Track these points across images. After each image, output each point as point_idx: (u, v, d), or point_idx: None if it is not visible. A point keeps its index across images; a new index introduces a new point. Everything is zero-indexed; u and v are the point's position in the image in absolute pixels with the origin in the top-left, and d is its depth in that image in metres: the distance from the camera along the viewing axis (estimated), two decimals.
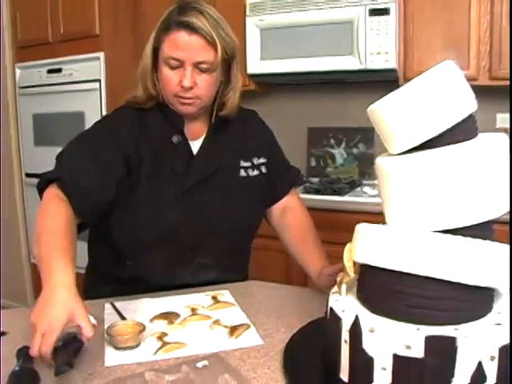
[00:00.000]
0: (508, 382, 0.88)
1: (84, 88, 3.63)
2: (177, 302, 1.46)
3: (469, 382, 0.87)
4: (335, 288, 1.09)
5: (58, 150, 1.51)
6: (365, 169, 3.47)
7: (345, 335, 0.96)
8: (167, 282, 1.55)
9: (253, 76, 3.38)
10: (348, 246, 1.05)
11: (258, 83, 3.50)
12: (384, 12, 2.90)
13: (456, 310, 0.93)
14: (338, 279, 1.07)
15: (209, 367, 1.08)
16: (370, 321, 0.93)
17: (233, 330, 1.26)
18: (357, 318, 0.94)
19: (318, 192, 3.03)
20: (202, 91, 1.49)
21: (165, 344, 1.20)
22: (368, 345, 0.92)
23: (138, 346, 1.19)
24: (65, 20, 3.66)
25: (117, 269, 1.56)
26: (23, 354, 1.11)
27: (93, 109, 3.55)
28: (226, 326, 1.29)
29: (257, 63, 3.29)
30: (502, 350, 0.87)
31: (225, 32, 1.47)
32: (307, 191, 3.03)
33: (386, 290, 0.97)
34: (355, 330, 0.94)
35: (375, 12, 2.92)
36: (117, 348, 1.18)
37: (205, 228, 1.56)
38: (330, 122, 3.59)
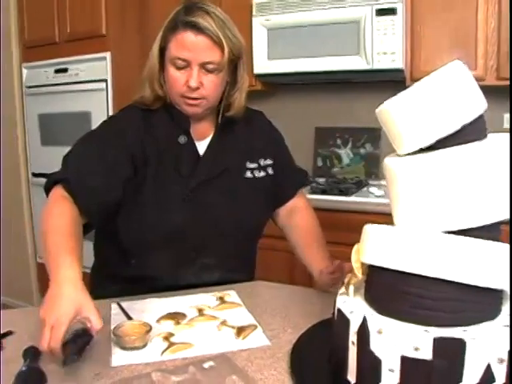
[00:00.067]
0: None
1: (90, 88, 3.63)
2: (183, 302, 1.45)
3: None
4: (343, 289, 1.08)
5: (65, 149, 1.52)
6: (371, 169, 3.46)
7: (352, 336, 0.96)
8: (172, 281, 1.55)
9: (259, 76, 3.38)
10: (356, 246, 1.04)
11: (265, 83, 3.50)
12: (391, 12, 2.89)
13: (461, 311, 0.92)
14: (346, 280, 1.07)
15: (216, 368, 1.07)
16: (378, 322, 0.93)
17: (240, 330, 1.26)
18: (365, 319, 0.94)
19: (324, 192, 3.02)
20: (208, 91, 1.49)
21: (171, 344, 1.19)
22: (376, 346, 0.91)
23: (144, 346, 1.19)
24: (71, 20, 3.66)
25: (122, 268, 1.56)
26: (30, 353, 1.11)
27: (99, 109, 3.56)
28: (232, 327, 1.28)
29: (263, 63, 3.29)
30: (511, 352, 0.87)
31: (231, 32, 1.47)
32: (313, 191, 3.02)
33: (393, 291, 0.96)
34: (363, 331, 0.93)
35: (382, 12, 2.91)
36: (123, 348, 1.18)
37: (210, 229, 1.56)
38: (337, 122, 3.59)
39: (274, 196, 1.72)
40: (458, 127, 0.94)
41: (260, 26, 3.25)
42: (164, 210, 1.51)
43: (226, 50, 1.45)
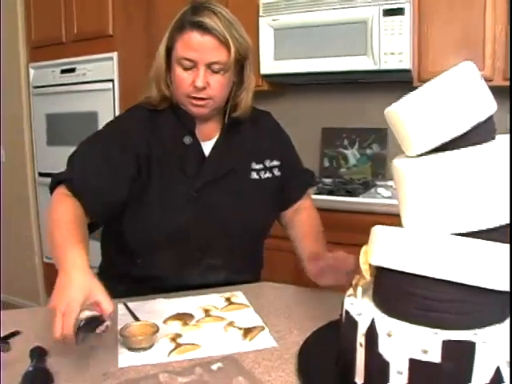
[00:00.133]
0: None
1: (97, 88, 3.64)
2: (190, 303, 1.45)
3: None
4: (350, 290, 1.08)
5: (71, 149, 1.52)
6: (378, 169, 3.46)
7: (360, 338, 0.95)
8: (177, 282, 1.55)
9: (266, 76, 3.38)
10: (364, 248, 1.04)
11: (272, 83, 3.50)
12: (398, 12, 2.88)
13: (469, 313, 0.91)
14: (354, 282, 1.06)
15: (223, 369, 1.07)
16: (387, 324, 0.92)
17: (247, 332, 1.26)
18: (373, 321, 0.93)
19: (331, 193, 3.00)
20: (214, 92, 1.49)
21: (178, 345, 1.19)
22: (384, 348, 0.91)
23: (151, 347, 1.19)
24: (78, 20, 3.68)
25: (128, 268, 1.56)
26: (36, 354, 1.11)
27: (106, 109, 3.57)
28: (240, 328, 1.28)
29: (270, 63, 3.29)
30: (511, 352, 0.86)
31: (238, 32, 1.47)
32: (320, 192, 3.01)
33: (400, 293, 0.95)
34: (371, 333, 0.93)
35: (389, 12, 2.90)
36: (130, 349, 1.18)
37: (216, 229, 1.56)
38: (344, 122, 3.58)
39: (280, 197, 1.72)
40: (467, 129, 0.94)
41: (267, 26, 3.25)
42: (169, 210, 1.51)
43: (233, 50, 1.45)
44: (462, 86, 0.94)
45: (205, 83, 1.46)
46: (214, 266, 1.57)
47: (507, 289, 0.92)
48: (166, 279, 1.55)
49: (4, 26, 4.03)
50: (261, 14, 3.27)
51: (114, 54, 3.56)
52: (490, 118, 0.97)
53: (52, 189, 1.46)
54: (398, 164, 1.01)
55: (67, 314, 1.05)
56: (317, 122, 3.66)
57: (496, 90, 1.08)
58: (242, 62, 1.54)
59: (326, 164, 3.65)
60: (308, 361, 1.11)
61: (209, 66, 1.45)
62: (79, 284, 1.10)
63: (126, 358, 1.15)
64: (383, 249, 0.98)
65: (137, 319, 1.33)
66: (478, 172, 0.92)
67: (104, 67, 3.60)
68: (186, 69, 1.46)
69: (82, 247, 1.21)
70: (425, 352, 0.87)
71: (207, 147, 1.59)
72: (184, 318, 1.35)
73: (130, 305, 1.41)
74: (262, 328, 1.29)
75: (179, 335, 1.25)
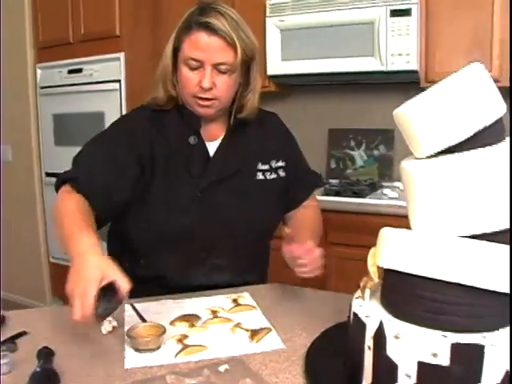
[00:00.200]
0: None
1: (104, 88, 3.65)
2: (197, 304, 1.45)
3: None
4: (358, 292, 1.07)
5: (78, 150, 1.54)
6: (385, 171, 3.45)
7: (368, 341, 0.95)
8: (182, 282, 1.56)
9: (273, 77, 3.37)
10: (372, 250, 1.03)
11: (279, 84, 3.50)
12: (406, 13, 2.87)
13: (477, 316, 0.91)
14: (362, 284, 1.06)
15: (230, 371, 1.07)
16: (395, 327, 0.92)
17: (254, 333, 1.25)
18: (381, 323, 0.92)
19: (337, 194, 3.00)
20: (220, 92, 1.49)
21: (185, 347, 1.19)
22: (392, 351, 0.90)
23: (158, 348, 1.19)
24: (85, 20, 3.68)
25: (134, 268, 1.56)
26: (43, 354, 1.11)
27: (113, 109, 3.57)
28: (247, 330, 1.28)
29: (277, 64, 3.28)
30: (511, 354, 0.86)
31: (245, 34, 1.48)
32: (327, 193, 3.01)
33: (408, 295, 0.95)
34: (379, 336, 0.92)
35: (397, 13, 2.89)
36: (137, 350, 1.18)
37: (220, 229, 1.56)
38: (351, 123, 3.57)
39: (285, 198, 1.72)
40: (476, 130, 0.93)
41: (273, 27, 3.25)
42: (173, 210, 1.52)
43: (239, 51, 1.45)
44: (472, 87, 0.93)
45: (211, 84, 1.46)
46: (219, 266, 1.57)
47: None
48: (170, 279, 1.55)
49: (11, 27, 4.05)
50: (267, 14, 3.26)
51: (121, 55, 3.57)
52: (500, 120, 0.96)
53: (58, 187, 1.48)
54: (406, 166, 1.00)
55: (85, 295, 1.07)
56: (323, 122, 3.66)
57: (503, 91, 1.07)
58: (249, 62, 1.54)
59: (333, 165, 3.64)
60: (315, 363, 1.11)
61: (215, 66, 1.45)
62: (94, 264, 1.13)
63: (132, 359, 1.14)
64: (392, 251, 0.98)
65: (144, 320, 1.32)
66: (488, 174, 0.92)
67: (111, 68, 3.61)
68: (192, 69, 1.46)
69: (91, 231, 1.25)
70: (434, 355, 0.86)
71: (212, 147, 1.59)
72: (191, 319, 1.34)
73: (136, 306, 1.41)
74: (269, 330, 1.28)
75: (186, 336, 1.25)
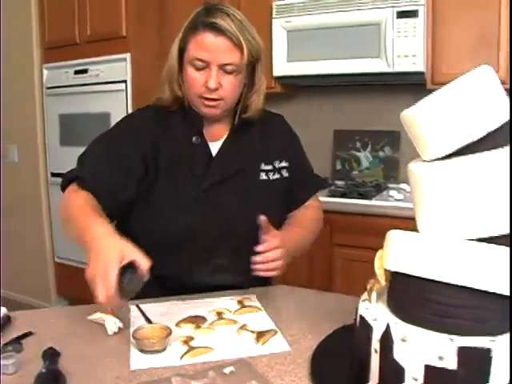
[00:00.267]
0: None
1: (110, 89, 3.66)
2: (203, 305, 1.45)
3: None
4: (365, 295, 1.07)
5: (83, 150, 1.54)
6: (390, 172, 3.44)
7: (375, 344, 0.95)
8: (185, 282, 1.55)
9: (279, 78, 3.37)
10: (379, 253, 1.03)
11: (284, 85, 3.50)
12: (412, 14, 2.87)
13: (484, 319, 0.90)
14: (369, 287, 1.05)
15: (236, 373, 1.06)
16: (402, 330, 0.91)
17: (260, 335, 1.25)
18: (388, 326, 0.92)
19: (343, 195, 2.99)
20: (226, 93, 1.49)
21: (191, 348, 1.19)
22: (399, 354, 0.90)
23: (164, 349, 1.18)
24: (92, 21, 3.70)
25: None
26: (49, 355, 1.11)
27: (119, 109, 3.58)
28: (252, 332, 1.27)
29: (283, 65, 3.28)
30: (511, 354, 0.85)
31: (251, 34, 1.48)
32: (332, 194, 2.99)
33: (415, 298, 0.95)
34: (386, 339, 0.92)
35: (403, 14, 2.89)
36: (143, 352, 1.17)
37: (223, 229, 1.56)
38: (356, 124, 3.57)
39: (288, 198, 1.71)
40: (484, 133, 0.93)
41: (280, 28, 3.25)
42: (176, 210, 1.52)
43: (246, 51, 1.45)
44: (481, 90, 0.93)
45: (217, 84, 1.46)
46: (221, 266, 1.57)
47: None
48: (173, 279, 1.55)
49: (18, 27, 4.07)
50: (274, 15, 3.27)
51: (127, 55, 3.58)
52: (508, 123, 0.96)
53: (64, 187, 1.49)
54: (414, 168, 1.00)
55: (106, 275, 1.10)
56: (329, 124, 3.65)
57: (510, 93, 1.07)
58: (254, 63, 1.54)
59: (339, 166, 3.64)
60: (321, 365, 1.11)
61: (221, 67, 1.45)
62: (112, 246, 1.16)
63: (138, 361, 1.14)
64: (399, 254, 0.98)
65: (149, 322, 1.32)
66: (496, 176, 0.91)
67: (117, 68, 3.62)
68: (198, 69, 1.47)
69: (104, 220, 1.29)
70: (440, 358, 0.86)
71: (215, 147, 1.60)
72: (197, 320, 1.34)
73: (142, 307, 1.41)
74: (275, 332, 1.28)
75: (192, 338, 1.24)
